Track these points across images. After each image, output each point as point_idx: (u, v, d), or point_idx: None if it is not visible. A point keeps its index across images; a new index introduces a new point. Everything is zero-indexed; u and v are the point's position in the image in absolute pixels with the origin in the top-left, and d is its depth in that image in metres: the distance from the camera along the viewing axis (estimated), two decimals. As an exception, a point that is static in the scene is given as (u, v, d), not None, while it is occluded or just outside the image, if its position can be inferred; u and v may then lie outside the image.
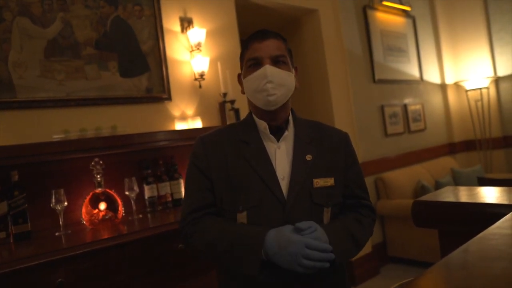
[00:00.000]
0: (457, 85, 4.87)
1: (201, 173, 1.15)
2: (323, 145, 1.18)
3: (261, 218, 1.08)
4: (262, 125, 1.15)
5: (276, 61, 1.12)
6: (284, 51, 1.15)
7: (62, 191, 1.74)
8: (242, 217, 1.09)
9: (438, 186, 3.87)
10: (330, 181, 1.13)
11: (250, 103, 1.22)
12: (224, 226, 1.09)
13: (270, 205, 1.08)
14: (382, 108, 3.95)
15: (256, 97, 1.13)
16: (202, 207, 1.14)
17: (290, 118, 1.20)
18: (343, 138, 1.24)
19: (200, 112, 2.55)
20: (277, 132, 1.16)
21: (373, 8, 4.02)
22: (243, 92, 1.21)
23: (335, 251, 1.01)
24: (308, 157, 1.13)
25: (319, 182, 1.11)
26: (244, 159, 1.12)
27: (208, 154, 1.16)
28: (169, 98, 2.41)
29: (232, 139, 1.17)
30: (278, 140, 1.15)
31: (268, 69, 1.10)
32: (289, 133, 1.17)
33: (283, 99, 1.14)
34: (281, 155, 1.14)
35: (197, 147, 1.20)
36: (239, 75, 1.23)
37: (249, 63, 1.14)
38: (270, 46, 1.12)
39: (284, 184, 1.10)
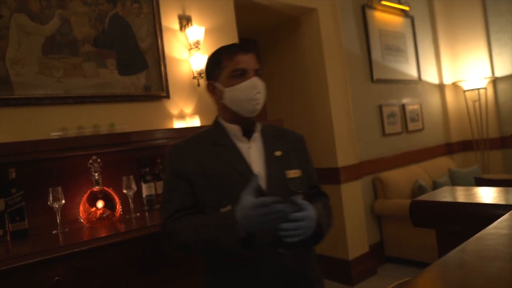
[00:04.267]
0: (455, 85, 4.89)
1: (178, 177, 1.22)
2: (287, 143, 1.32)
3: None
4: (234, 128, 1.26)
5: (257, 74, 1.25)
6: (260, 65, 1.28)
7: (59, 189, 1.73)
8: (226, 211, 1.16)
9: (435, 186, 3.88)
10: (298, 173, 1.27)
11: (222, 110, 1.29)
12: (202, 217, 1.16)
13: None
14: (380, 107, 3.95)
15: (243, 105, 1.22)
16: (182, 209, 1.20)
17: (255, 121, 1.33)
18: (300, 139, 1.40)
19: (199, 111, 2.55)
20: (246, 134, 1.27)
21: (372, 7, 4.03)
22: (216, 100, 1.29)
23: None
24: (278, 153, 1.27)
25: (289, 173, 1.25)
26: (220, 158, 1.22)
27: (184, 157, 1.23)
28: (167, 96, 2.41)
29: (205, 142, 1.26)
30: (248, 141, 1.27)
31: (257, 80, 1.22)
32: (257, 134, 1.29)
33: (262, 107, 1.28)
34: (254, 153, 1.25)
35: (171, 154, 1.26)
36: (210, 84, 1.29)
37: (234, 73, 1.22)
38: (252, 60, 1.24)
39: (261, 178, 1.20)
